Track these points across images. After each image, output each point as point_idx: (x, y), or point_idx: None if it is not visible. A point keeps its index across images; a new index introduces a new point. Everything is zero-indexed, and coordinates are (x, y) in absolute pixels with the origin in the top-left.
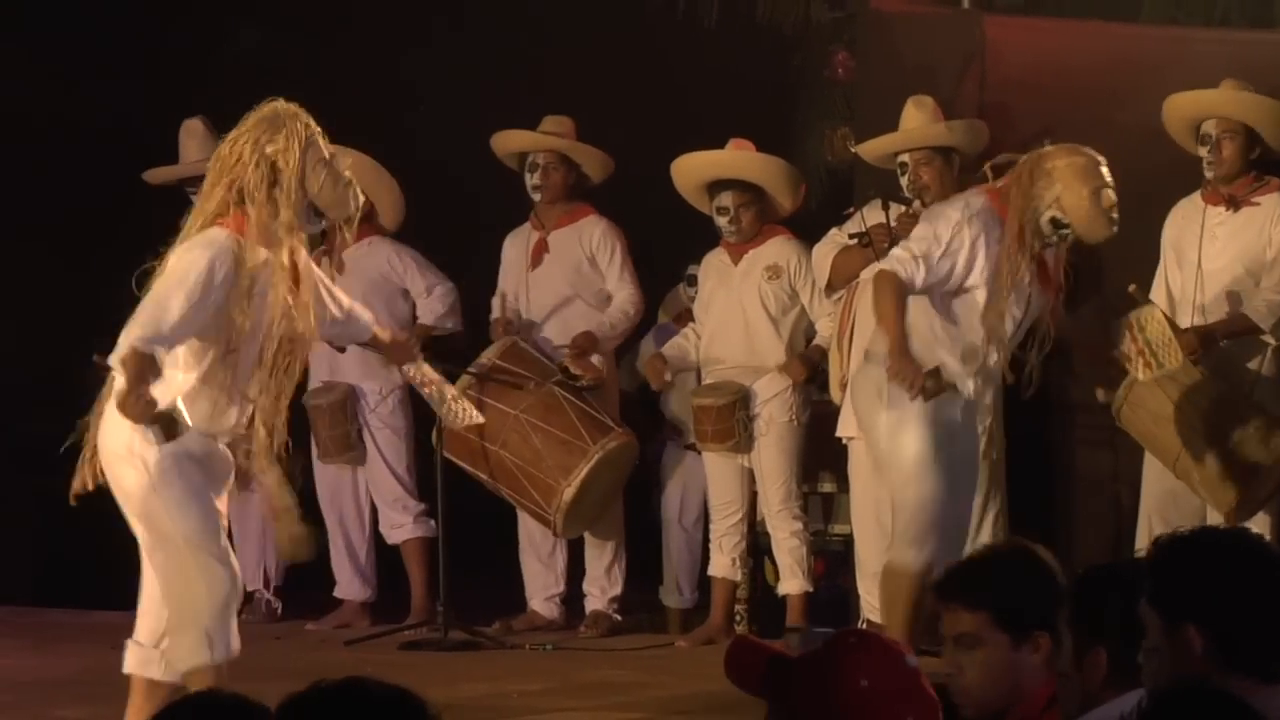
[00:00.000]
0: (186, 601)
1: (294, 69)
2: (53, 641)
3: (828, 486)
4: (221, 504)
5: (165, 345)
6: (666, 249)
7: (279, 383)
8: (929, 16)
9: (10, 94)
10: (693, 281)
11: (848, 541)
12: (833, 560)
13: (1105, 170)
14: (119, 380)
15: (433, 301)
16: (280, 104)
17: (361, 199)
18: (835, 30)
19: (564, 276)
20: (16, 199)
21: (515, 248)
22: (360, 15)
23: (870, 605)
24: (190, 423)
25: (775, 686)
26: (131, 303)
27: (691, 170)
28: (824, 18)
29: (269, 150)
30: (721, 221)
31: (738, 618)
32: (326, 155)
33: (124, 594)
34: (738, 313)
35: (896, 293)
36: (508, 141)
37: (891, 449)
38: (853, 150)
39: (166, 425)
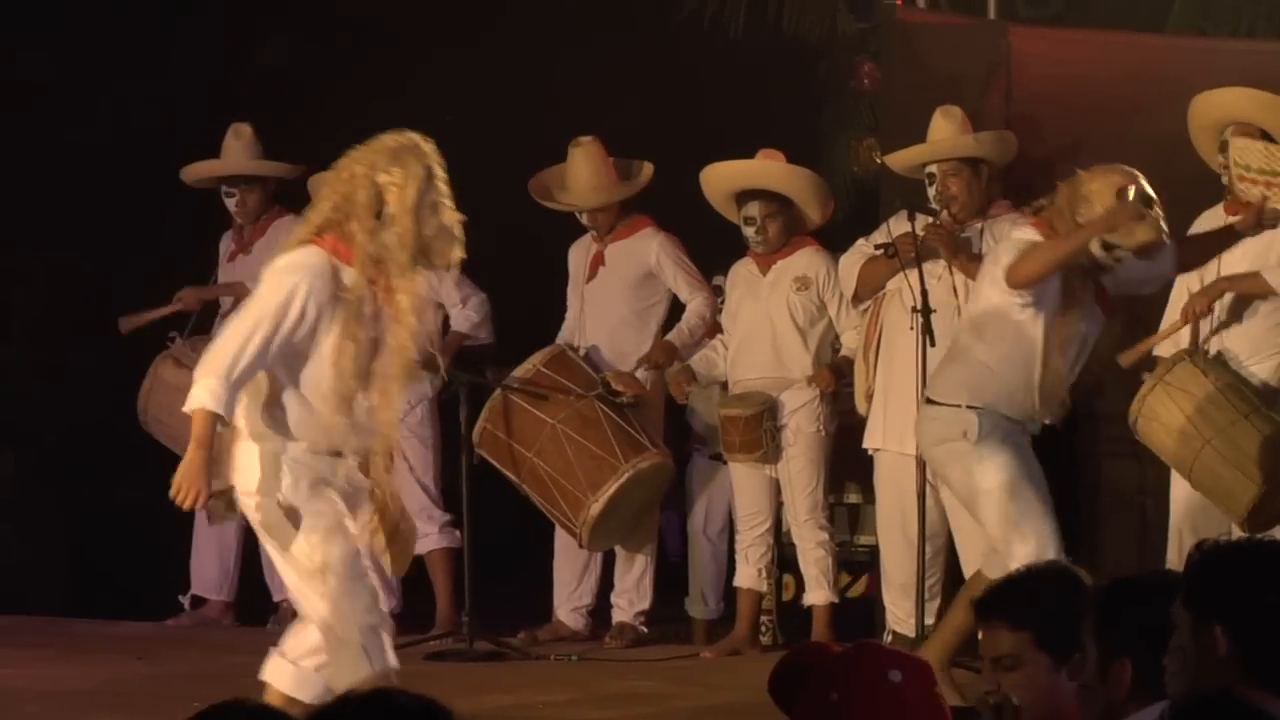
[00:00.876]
0: (336, 621)
1: (322, 77)
2: (79, 652)
3: (853, 497)
4: (354, 524)
5: (244, 382)
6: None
7: (387, 400)
8: (955, 27)
9: (40, 99)
10: (718, 292)
11: (873, 552)
12: (860, 572)
13: (1144, 181)
14: (195, 427)
15: (468, 311)
16: (409, 137)
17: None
18: (861, 41)
19: (618, 290)
20: (48, 208)
21: (576, 258)
22: (389, 25)
23: (895, 617)
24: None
25: (785, 698)
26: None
27: (719, 179)
28: (850, 28)
29: (381, 179)
30: (748, 231)
31: (763, 629)
32: (441, 200)
33: (150, 605)
34: (765, 324)
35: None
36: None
37: (981, 482)
38: (880, 161)
39: (226, 504)
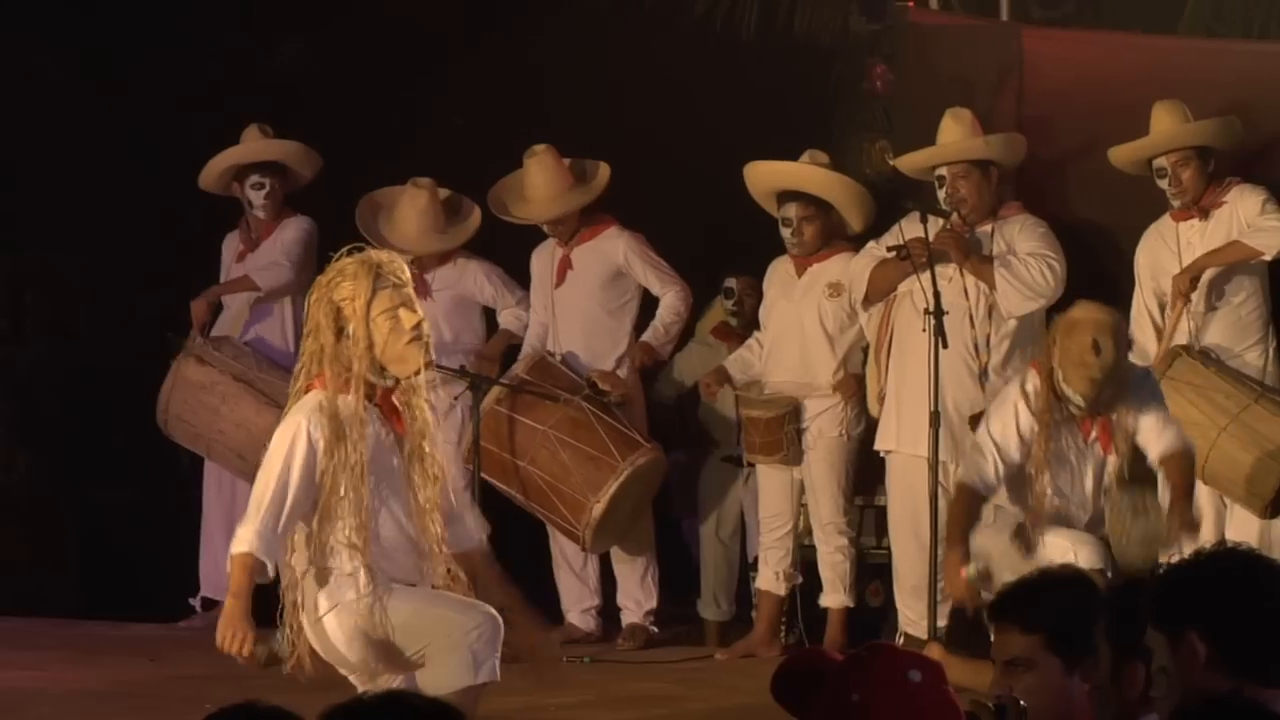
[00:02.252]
0: (451, 626)
1: (334, 82)
2: (91, 654)
3: (883, 500)
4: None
5: (276, 525)
6: (705, 262)
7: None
8: (967, 29)
9: (51, 106)
10: (730, 294)
11: None
12: (881, 573)
13: (1101, 324)
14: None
15: (519, 310)
16: (366, 254)
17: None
18: (873, 43)
19: (588, 292)
20: (60, 210)
21: (540, 263)
22: (401, 28)
23: (907, 618)
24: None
25: (794, 701)
26: (177, 316)
27: (761, 177)
28: (862, 30)
29: (335, 295)
30: (785, 232)
31: (780, 631)
32: (399, 309)
33: (162, 607)
34: (795, 326)
35: None
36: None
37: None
38: (891, 163)
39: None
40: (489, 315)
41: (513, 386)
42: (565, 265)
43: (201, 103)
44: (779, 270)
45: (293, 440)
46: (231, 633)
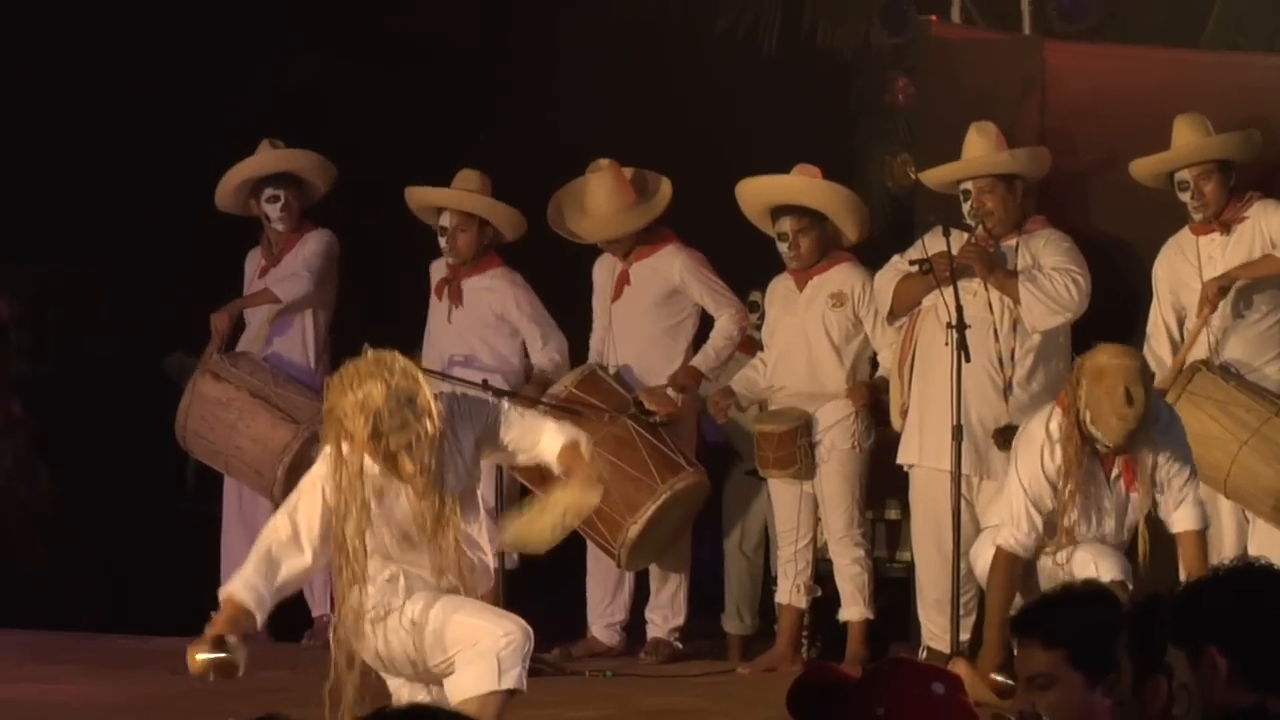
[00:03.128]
0: (480, 634)
1: (352, 96)
2: (112, 668)
3: (893, 514)
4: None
5: (271, 586)
6: (727, 276)
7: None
8: (990, 43)
9: (75, 123)
10: (754, 308)
11: (911, 569)
12: (895, 587)
13: (1130, 370)
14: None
15: (549, 351)
16: (366, 395)
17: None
18: (895, 56)
19: (644, 309)
20: (82, 227)
21: (601, 275)
22: (423, 44)
23: (930, 633)
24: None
25: (810, 716)
26: (195, 334)
27: (753, 194)
28: (884, 44)
29: (339, 414)
30: (782, 247)
31: (801, 645)
32: (393, 451)
33: (184, 620)
34: (801, 340)
35: None
36: (425, 198)
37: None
38: (914, 177)
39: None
40: None
41: (548, 405)
42: (624, 280)
43: (224, 119)
44: (779, 287)
45: (304, 494)
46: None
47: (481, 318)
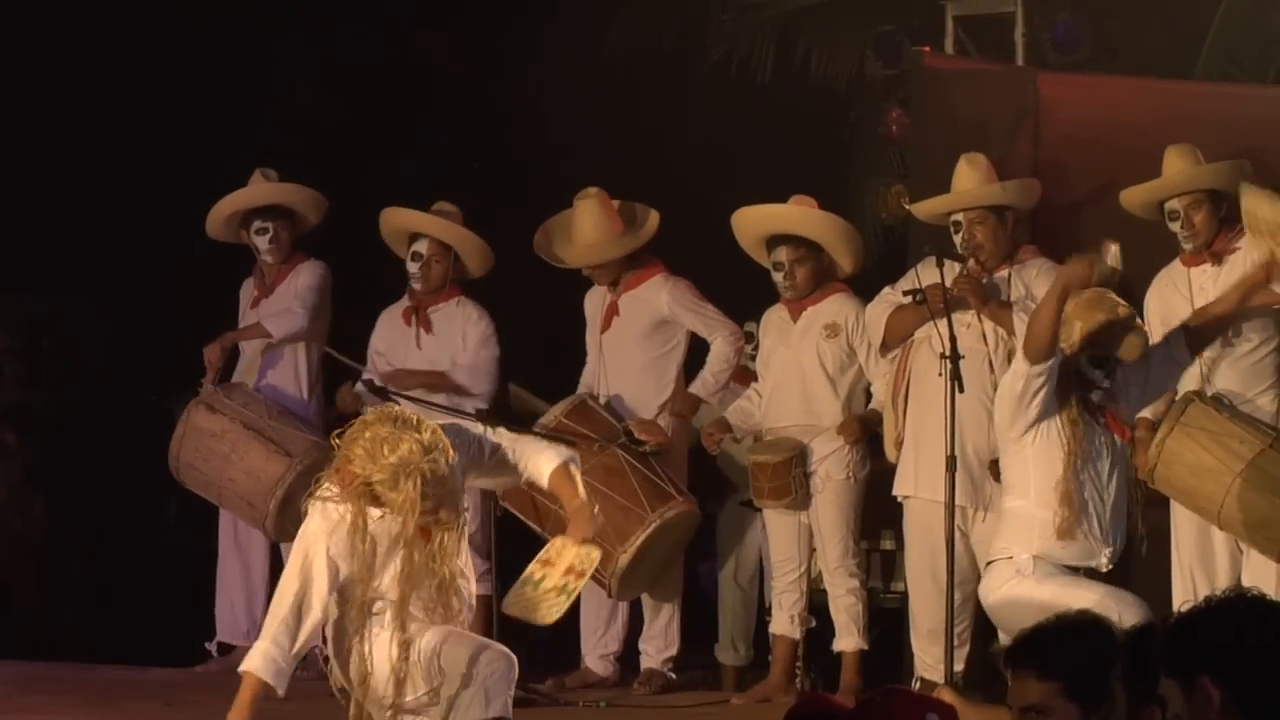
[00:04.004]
0: (466, 663)
1: (346, 126)
2: (108, 699)
3: (888, 544)
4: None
5: (289, 656)
6: (720, 307)
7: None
8: (983, 74)
9: (68, 154)
10: (748, 339)
11: (905, 599)
12: (889, 618)
13: (1114, 295)
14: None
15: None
16: (366, 480)
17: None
18: (889, 87)
19: (633, 340)
20: (77, 257)
21: (592, 306)
22: (416, 74)
23: (924, 663)
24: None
25: None
26: (192, 362)
27: (749, 223)
28: (878, 75)
29: (347, 457)
30: (777, 277)
31: (795, 675)
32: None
33: (179, 651)
34: (796, 371)
35: None
36: (399, 220)
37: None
38: (907, 208)
39: None
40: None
41: (537, 434)
42: (612, 311)
43: (219, 149)
44: (773, 318)
45: (309, 554)
46: None
47: (446, 342)
